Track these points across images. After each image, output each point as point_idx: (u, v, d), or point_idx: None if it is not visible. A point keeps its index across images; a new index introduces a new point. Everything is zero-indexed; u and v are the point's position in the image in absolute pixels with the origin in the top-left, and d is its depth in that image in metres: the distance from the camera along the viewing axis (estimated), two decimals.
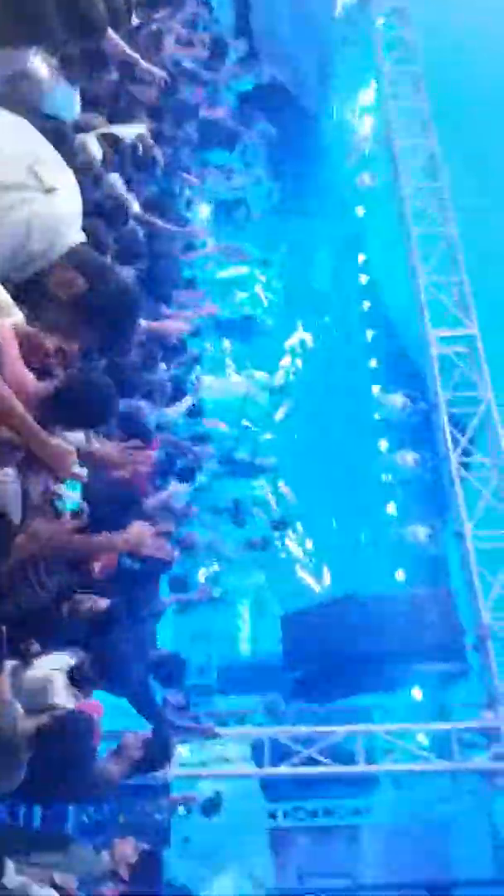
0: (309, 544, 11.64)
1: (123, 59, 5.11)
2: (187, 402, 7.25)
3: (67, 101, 4.23)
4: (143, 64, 5.53)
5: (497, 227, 9.64)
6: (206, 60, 8.00)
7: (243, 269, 11.08)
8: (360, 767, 5.68)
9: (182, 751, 6.00)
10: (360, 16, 11.11)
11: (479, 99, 9.62)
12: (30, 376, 2.97)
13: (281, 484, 10.72)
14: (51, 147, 2.54)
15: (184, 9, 7.58)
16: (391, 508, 11.91)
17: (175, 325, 6.41)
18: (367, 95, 12.05)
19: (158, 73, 5.83)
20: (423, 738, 7.79)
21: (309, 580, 11.34)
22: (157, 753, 4.02)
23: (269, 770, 5.54)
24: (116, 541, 3.78)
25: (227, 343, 10.18)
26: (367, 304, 14.11)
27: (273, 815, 9.88)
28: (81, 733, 3.11)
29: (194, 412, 7.86)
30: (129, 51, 5.10)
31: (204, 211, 8.88)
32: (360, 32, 11.52)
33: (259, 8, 13.06)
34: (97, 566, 3.92)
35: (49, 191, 2.43)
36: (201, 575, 9.30)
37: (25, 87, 3.62)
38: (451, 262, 8.41)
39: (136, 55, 5.37)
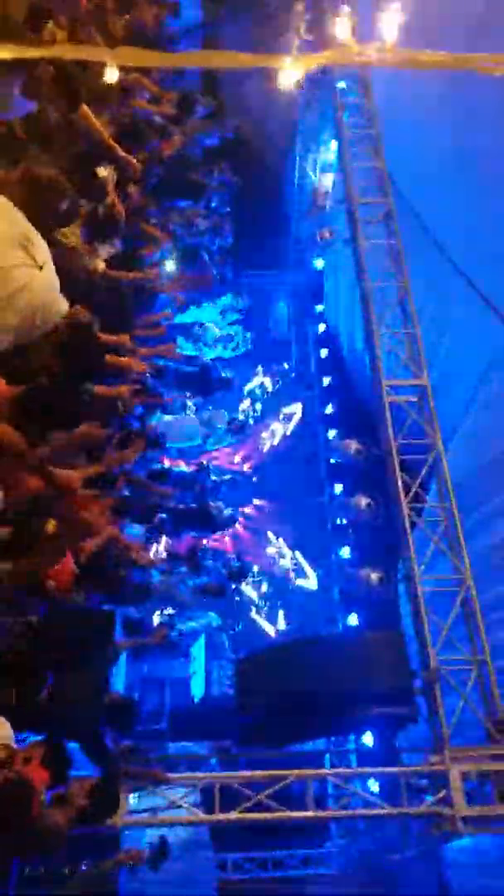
0: (264, 587, 11.72)
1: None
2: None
3: None
4: (120, 152, 5.78)
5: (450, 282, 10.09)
6: (173, 115, 8.32)
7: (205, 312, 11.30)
8: (311, 813, 5.66)
9: (131, 798, 5.93)
10: (322, 81, 11.70)
11: (434, 161, 10.14)
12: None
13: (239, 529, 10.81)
14: (27, 222, 2.73)
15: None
16: (345, 552, 12.12)
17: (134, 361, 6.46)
18: (328, 155, 12.58)
19: (135, 164, 6.09)
20: (373, 785, 7.84)
21: (264, 624, 11.39)
22: (103, 802, 3.99)
23: (219, 816, 5.49)
24: None
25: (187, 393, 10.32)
26: (324, 352, 14.53)
27: (222, 867, 9.76)
28: (21, 800, 3.09)
29: (154, 449, 7.91)
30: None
31: (168, 266, 9.08)
32: (322, 96, 12.11)
33: (226, 70, 13.62)
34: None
35: (41, 267, 2.63)
36: (156, 618, 9.27)
37: None
38: (404, 315, 8.75)
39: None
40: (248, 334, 11.48)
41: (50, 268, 2.80)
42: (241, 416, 12.85)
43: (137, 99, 7.40)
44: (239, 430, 10.43)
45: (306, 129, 12.83)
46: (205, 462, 9.94)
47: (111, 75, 4.28)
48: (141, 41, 7.53)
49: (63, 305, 2.92)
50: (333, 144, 11.97)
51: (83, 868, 5.57)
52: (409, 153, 9.77)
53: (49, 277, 2.81)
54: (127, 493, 6.62)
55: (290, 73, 3.27)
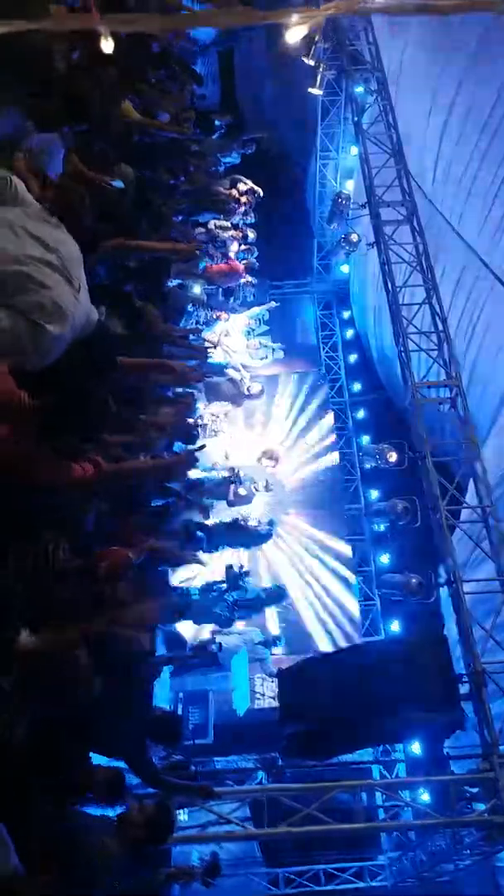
0: (306, 595, 11.65)
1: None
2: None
3: None
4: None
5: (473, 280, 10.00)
6: (194, 135, 8.40)
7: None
8: (361, 825, 5.58)
9: (180, 814, 5.92)
10: (340, 86, 11.72)
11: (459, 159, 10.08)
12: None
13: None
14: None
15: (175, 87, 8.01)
16: (384, 558, 11.98)
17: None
18: (348, 160, 12.57)
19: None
20: (423, 794, 7.70)
21: (306, 632, 11.31)
22: (160, 831, 3.95)
23: (269, 830, 5.44)
24: None
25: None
26: (353, 357, 14.47)
27: (274, 882, 9.67)
28: None
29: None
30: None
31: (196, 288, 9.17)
32: (340, 100, 12.13)
33: (244, 83, 13.74)
34: (104, 564, 3.95)
35: (78, 289, 2.78)
36: (196, 633, 9.27)
37: None
38: (433, 316, 8.65)
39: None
40: (277, 343, 11.46)
41: (85, 288, 2.90)
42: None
43: (157, 120, 7.48)
44: (274, 460, 10.42)
45: (325, 135, 12.83)
46: (236, 469, 9.88)
47: (107, 46, 4.14)
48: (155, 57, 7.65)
49: (95, 314, 3.01)
50: (353, 149, 11.96)
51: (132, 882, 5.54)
52: (431, 153, 9.72)
53: (86, 298, 2.91)
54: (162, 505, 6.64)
55: (297, 29, 3.02)
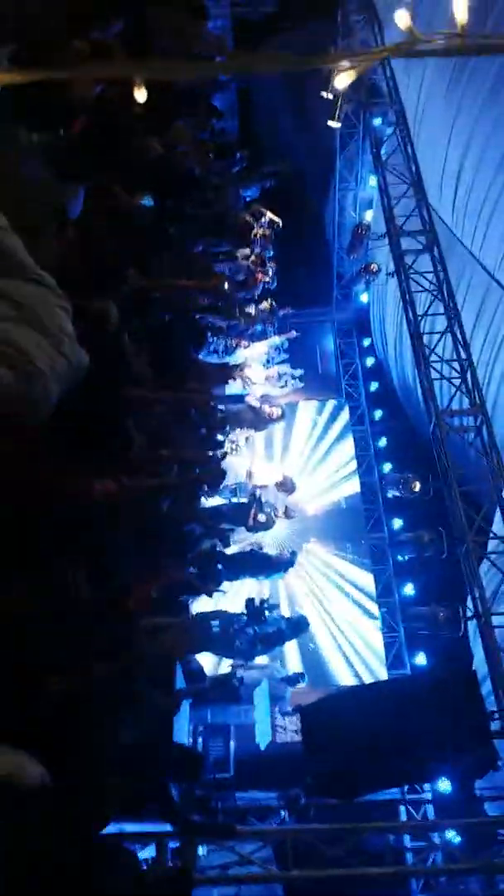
0: (328, 626, 11.46)
1: None
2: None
3: None
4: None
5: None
6: (213, 166, 8.49)
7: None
8: (391, 870, 5.37)
9: (199, 851, 5.75)
10: (358, 117, 11.86)
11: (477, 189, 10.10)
12: None
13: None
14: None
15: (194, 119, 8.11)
16: (409, 589, 11.78)
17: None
18: (366, 191, 12.67)
19: None
20: (454, 836, 7.42)
21: (328, 665, 11.11)
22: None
23: (295, 874, 5.25)
24: None
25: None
26: (374, 385, 14.43)
27: None
28: None
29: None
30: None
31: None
32: (358, 133, 12.26)
33: (262, 117, 13.96)
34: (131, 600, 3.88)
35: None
36: (217, 667, 9.12)
37: None
38: (454, 344, 8.58)
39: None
40: (297, 371, 11.45)
41: (71, 337, 2.90)
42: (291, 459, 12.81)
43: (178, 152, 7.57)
44: (291, 489, 10.32)
45: (344, 166, 12.95)
46: (258, 493, 9.77)
47: (141, 96, 4.14)
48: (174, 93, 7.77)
49: (85, 359, 2.98)
50: (372, 180, 12.04)
51: None
52: (450, 182, 9.74)
53: (71, 349, 2.89)
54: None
55: (345, 75, 2.73)
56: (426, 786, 9.15)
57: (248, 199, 10.24)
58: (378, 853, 5.76)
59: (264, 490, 9.87)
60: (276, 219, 11.03)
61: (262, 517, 9.45)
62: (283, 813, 8.70)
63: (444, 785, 8.21)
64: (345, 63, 2.30)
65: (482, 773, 6.17)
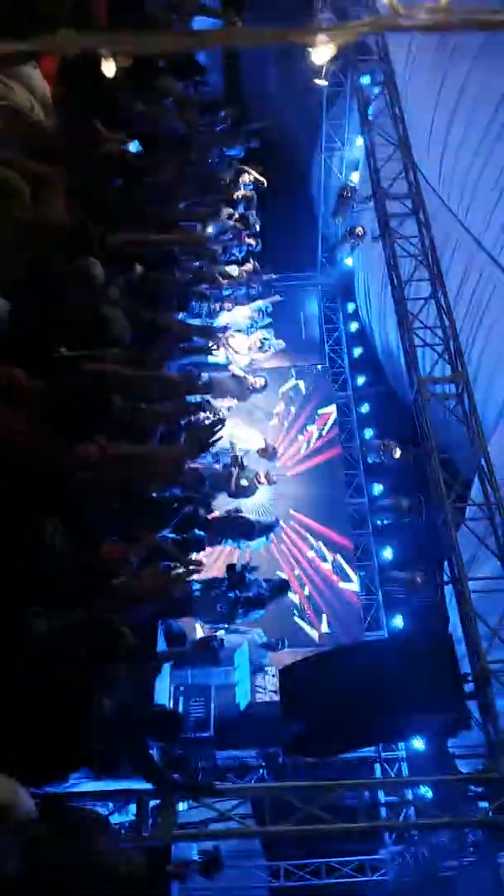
0: (307, 589, 11.62)
1: None
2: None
3: None
4: None
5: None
6: (197, 124, 8.29)
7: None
8: (363, 825, 5.55)
9: (180, 807, 5.89)
10: (345, 75, 11.61)
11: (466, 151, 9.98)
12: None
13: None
14: None
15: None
16: (388, 553, 11.95)
17: None
18: (353, 152, 12.46)
19: None
20: (427, 791, 7.67)
21: (307, 628, 11.29)
22: None
23: (271, 829, 5.41)
24: None
25: None
26: (357, 351, 14.40)
27: (275, 875, 9.68)
28: None
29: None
30: None
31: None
32: (346, 91, 12.01)
33: (248, 74, 13.61)
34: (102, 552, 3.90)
35: None
36: (198, 627, 9.22)
37: None
38: (438, 310, 8.56)
39: None
40: (279, 342, 11.39)
41: None
42: (274, 421, 12.80)
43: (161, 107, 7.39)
44: (272, 456, 10.33)
45: (331, 126, 12.70)
46: (239, 456, 9.76)
47: (109, 68, 4.04)
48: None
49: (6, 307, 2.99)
50: (359, 141, 11.84)
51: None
52: (438, 144, 9.60)
53: None
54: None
55: (324, 49, 2.66)
56: (401, 744, 9.42)
57: (232, 157, 10.02)
58: (352, 808, 5.95)
59: (246, 456, 9.87)
60: (260, 178, 10.84)
61: (244, 482, 9.47)
62: (261, 771, 8.93)
63: (418, 743, 8.46)
64: (322, 37, 2.23)
65: (455, 733, 6.35)
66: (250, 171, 10.66)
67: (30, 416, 3.21)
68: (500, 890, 8.28)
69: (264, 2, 10.70)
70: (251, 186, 10.70)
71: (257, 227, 10.56)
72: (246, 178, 10.72)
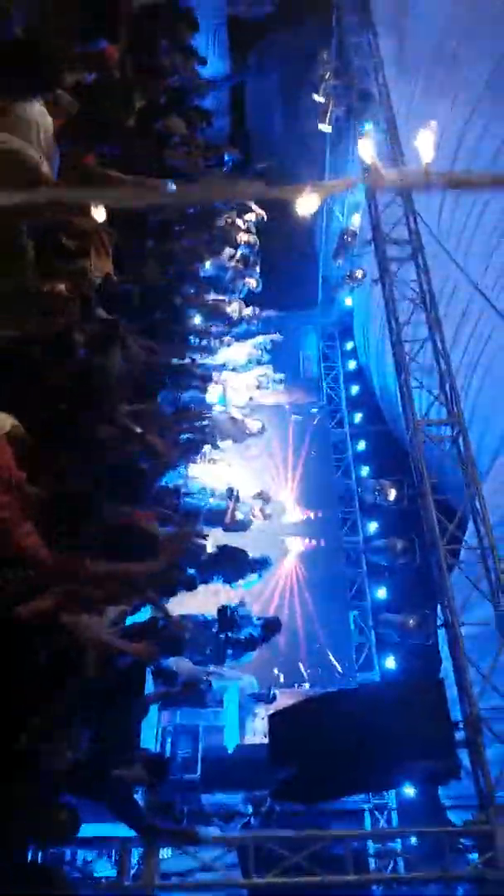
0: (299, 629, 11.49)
1: None
2: None
3: None
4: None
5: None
6: (202, 166, 8.45)
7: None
8: (351, 878, 5.40)
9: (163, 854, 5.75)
10: (348, 122, 11.86)
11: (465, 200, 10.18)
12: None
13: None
14: None
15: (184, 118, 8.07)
16: (381, 593, 11.85)
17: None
18: (356, 195, 12.67)
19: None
20: (414, 840, 7.49)
21: (300, 667, 11.14)
22: None
23: (256, 881, 5.27)
24: None
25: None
26: (355, 389, 14.48)
27: None
28: None
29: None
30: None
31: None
32: (349, 137, 12.26)
33: (254, 117, 13.93)
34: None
35: None
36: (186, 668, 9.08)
37: None
38: (435, 352, 8.63)
39: None
40: (278, 375, 11.47)
41: None
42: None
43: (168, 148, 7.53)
44: (267, 500, 10.32)
45: (334, 168, 12.94)
46: (235, 490, 9.73)
47: (99, 216, 4.24)
48: (167, 92, 7.74)
49: None
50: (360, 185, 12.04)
51: None
52: (437, 194, 9.79)
53: None
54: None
55: (309, 200, 3.11)
56: (391, 792, 9.23)
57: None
58: (340, 858, 5.79)
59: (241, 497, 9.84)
60: (260, 212, 10.99)
61: (239, 515, 9.43)
62: (248, 816, 8.72)
63: (409, 791, 8.30)
64: (307, 191, 2.46)
65: (445, 782, 6.23)
66: (252, 205, 10.82)
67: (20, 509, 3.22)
68: None
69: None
70: (252, 226, 10.85)
71: (257, 269, 10.70)
72: (248, 216, 10.89)
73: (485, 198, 8.66)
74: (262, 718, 8.34)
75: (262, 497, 10.12)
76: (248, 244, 10.19)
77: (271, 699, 9.02)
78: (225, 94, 12.46)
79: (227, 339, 10.42)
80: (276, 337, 11.56)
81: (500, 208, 8.60)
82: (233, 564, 8.41)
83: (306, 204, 3.30)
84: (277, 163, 12.93)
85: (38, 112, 4.51)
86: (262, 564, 8.96)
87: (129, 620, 5.47)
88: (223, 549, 8.29)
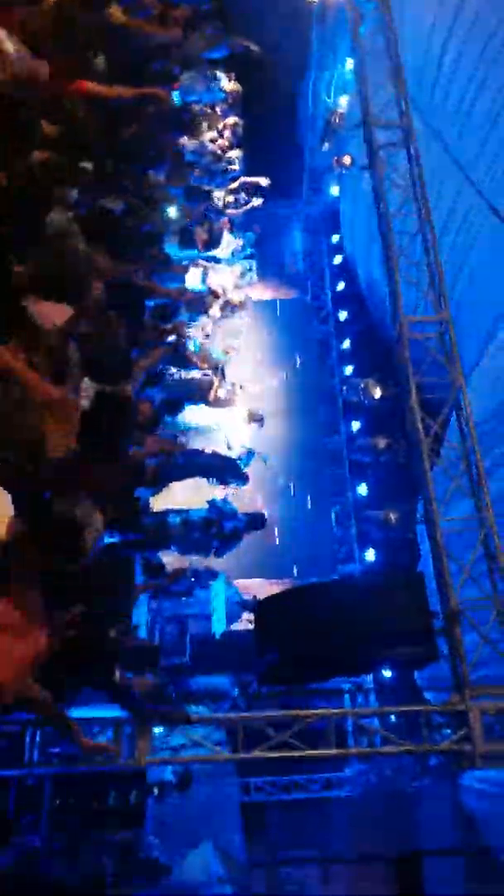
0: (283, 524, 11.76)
1: None
2: None
3: None
4: None
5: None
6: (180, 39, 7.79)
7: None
8: (333, 751, 5.78)
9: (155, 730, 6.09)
10: None
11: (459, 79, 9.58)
12: None
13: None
14: None
15: None
16: (362, 489, 12.07)
17: None
18: (344, 74, 11.90)
19: None
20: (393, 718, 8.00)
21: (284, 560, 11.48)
22: None
23: (242, 755, 5.63)
24: None
25: None
26: (340, 285, 14.14)
27: (246, 790, 10.19)
28: None
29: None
30: None
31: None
32: (337, 7, 11.36)
33: None
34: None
35: None
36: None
37: None
38: (424, 246, 8.36)
39: None
40: (261, 270, 11.13)
41: None
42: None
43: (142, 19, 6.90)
44: (260, 422, 10.21)
45: (321, 46, 12.07)
46: (220, 365, 9.64)
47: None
48: None
49: None
50: (350, 62, 11.28)
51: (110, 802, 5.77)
52: (431, 71, 9.20)
53: None
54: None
55: None
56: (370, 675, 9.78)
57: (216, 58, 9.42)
58: (321, 734, 6.17)
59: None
60: (236, 86, 10.31)
61: (223, 392, 9.38)
62: (234, 695, 9.23)
63: (386, 673, 8.78)
64: None
65: (423, 665, 6.58)
66: (230, 76, 10.10)
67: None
68: (458, 807, 8.83)
69: None
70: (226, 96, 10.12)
71: (240, 152, 10.14)
72: (225, 84, 10.13)
73: (481, 75, 8.14)
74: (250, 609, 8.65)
75: (255, 418, 10.06)
76: (231, 129, 9.61)
77: (255, 608, 9.34)
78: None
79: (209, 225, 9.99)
80: (256, 230, 11.14)
81: (498, 86, 8.10)
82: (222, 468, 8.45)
83: None
84: (261, 38, 12.02)
85: None
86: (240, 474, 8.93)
87: None
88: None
